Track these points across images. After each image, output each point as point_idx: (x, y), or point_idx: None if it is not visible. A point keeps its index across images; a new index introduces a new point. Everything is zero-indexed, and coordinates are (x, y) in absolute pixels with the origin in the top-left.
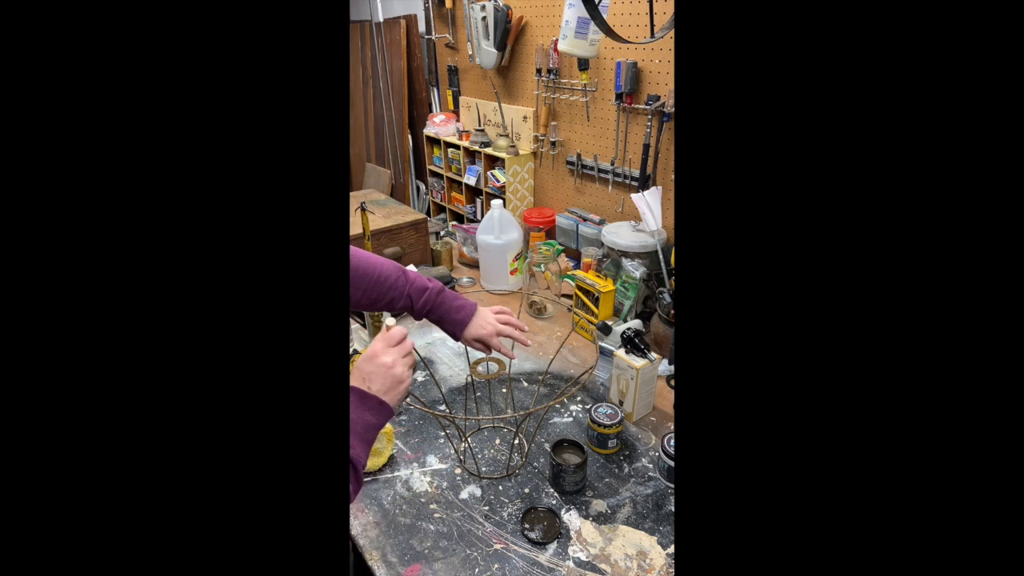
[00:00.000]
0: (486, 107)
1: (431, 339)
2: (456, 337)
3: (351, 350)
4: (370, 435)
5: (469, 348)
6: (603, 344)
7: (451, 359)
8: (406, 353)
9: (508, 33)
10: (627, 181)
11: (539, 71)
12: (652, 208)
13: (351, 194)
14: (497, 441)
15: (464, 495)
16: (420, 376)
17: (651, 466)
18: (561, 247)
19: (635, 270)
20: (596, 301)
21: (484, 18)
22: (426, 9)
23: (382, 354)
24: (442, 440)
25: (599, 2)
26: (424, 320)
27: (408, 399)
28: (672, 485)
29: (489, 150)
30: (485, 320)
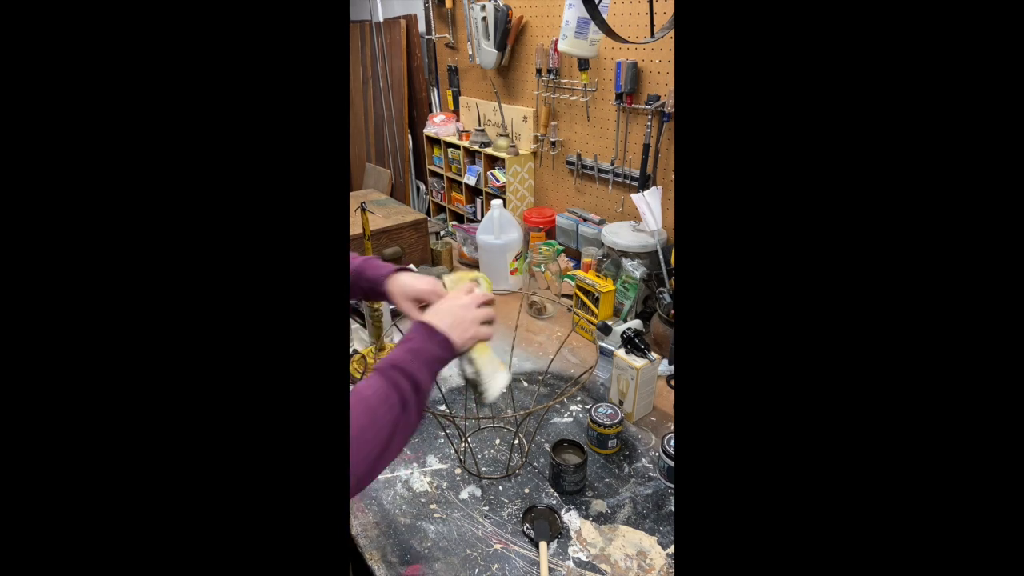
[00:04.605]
0: (486, 107)
1: None
2: (383, 295)
3: (351, 350)
4: (436, 366)
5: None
6: (603, 344)
7: None
8: (481, 302)
9: (508, 33)
10: (627, 181)
11: (539, 71)
12: (652, 208)
13: (351, 194)
14: (497, 441)
15: (464, 495)
16: None
17: (651, 466)
18: (561, 247)
19: (635, 270)
20: (596, 301)
21: (484, 18)
22: (426, 9)
23: (458, 297)
24: (442, 440)
25: (599, 2)
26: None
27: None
28: (672, 485)
29: (489, 150)
30: (416, 278)
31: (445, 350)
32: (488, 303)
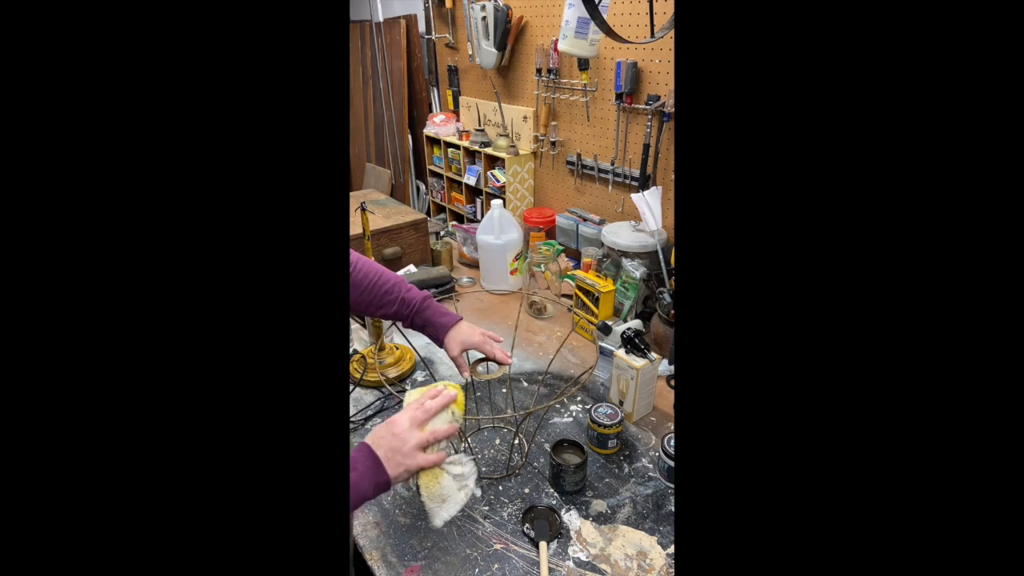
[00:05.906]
0: (486, 107)
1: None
2: (439, 342)
3: (351, 350)
4: (370, 498)
5: (468, 351)
6: (603, 344)
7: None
8: (425, 418)
9: (508, 33)
10: (627, 181)
11: (539, 71)
12: (652, 208)
13: (351, 194)
14: (497, 441)
15: None
16: (420, 376)
17: (651, 466)
18: (561, 247)
19: (635, 270)
20: (596, 301)
21: (484, 18)
22: (426, 9)
23: (398, 419)
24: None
25: (599, 2)
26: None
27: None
28: (672, 485)
29: (489, 150)
30: (472, 329)
31: (381, 488)
32: (444, 406)
